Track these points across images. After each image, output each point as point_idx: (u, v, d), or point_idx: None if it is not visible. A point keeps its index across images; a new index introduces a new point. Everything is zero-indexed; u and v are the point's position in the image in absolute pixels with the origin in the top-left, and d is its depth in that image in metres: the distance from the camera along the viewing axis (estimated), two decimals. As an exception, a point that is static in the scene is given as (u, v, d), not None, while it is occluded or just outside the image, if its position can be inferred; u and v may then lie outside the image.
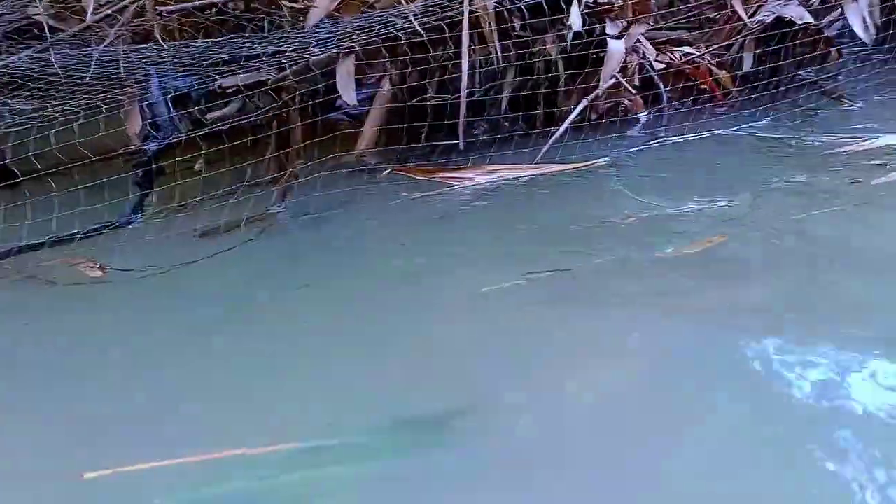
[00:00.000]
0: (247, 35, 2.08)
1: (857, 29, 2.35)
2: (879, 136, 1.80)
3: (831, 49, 2.49)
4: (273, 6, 2.28)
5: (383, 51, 2.22)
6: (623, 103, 2.36)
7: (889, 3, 2.40)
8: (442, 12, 2.09)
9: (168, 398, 1.12)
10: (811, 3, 2.45)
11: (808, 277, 1.33)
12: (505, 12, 2.19)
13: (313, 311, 1.36)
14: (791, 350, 1.09)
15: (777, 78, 2.45)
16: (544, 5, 2.17)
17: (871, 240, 1.39)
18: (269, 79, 1.97)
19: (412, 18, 2.05)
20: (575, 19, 2.14)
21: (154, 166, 1.80)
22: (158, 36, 2.10)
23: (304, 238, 1.72)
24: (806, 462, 0.88)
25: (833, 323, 1.16)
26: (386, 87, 2.42)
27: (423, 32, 2.07)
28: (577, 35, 2.19)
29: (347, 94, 2.29)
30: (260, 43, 2.02)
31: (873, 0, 2.38)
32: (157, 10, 2.13)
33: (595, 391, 1.06)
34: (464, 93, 2.08)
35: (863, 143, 1.78)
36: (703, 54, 2.49)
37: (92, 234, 1.69)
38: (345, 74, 2.29)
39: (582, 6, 2.18)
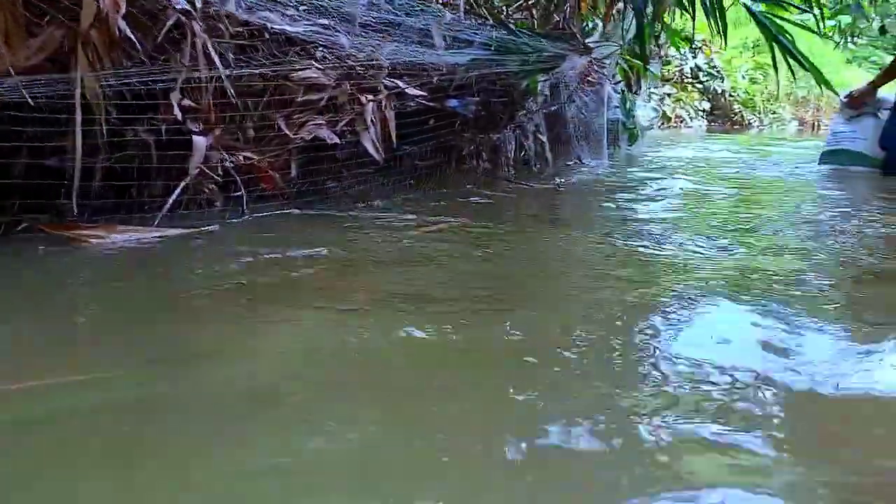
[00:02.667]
0: None
1: (371, 150, 3.33)
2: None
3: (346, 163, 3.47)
4: None
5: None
6: (207, 188, 2.86)
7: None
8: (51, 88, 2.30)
9: None
10: (337, 129, 3.40)
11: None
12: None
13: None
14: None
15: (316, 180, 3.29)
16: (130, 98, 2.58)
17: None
18: None
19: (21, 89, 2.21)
20: (177, 111, 2.58)
21: None
22: None
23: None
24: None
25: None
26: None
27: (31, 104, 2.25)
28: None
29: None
30: None
31: (377, 132, 3.41)
32: None
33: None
34: (78, 164, 2.30)
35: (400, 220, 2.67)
36: (262, 159, 3.17)
37: None
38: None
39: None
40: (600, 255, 2.25)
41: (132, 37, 2.41)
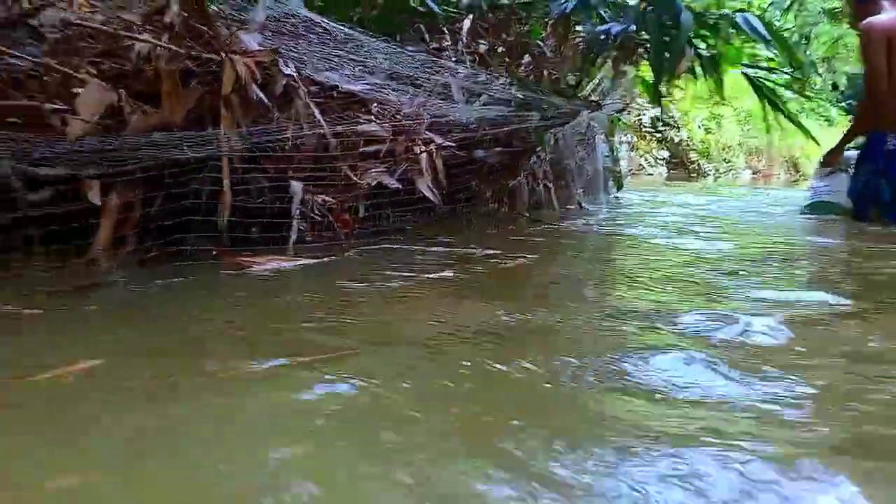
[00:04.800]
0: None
1: (427, 194, 3.92)
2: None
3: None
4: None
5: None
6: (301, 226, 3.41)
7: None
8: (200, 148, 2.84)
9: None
10: (396, 175, 3.99)
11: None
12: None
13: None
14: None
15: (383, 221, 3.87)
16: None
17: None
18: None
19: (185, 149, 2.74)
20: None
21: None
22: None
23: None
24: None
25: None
26: (114, 200, 2.94)
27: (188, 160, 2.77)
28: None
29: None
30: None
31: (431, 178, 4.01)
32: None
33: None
34: (227, 203, 2.84)
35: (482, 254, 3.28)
36: (337, 202, 3.74)
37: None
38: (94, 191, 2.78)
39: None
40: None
41: (265, 100, 2.97)
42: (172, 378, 1.47)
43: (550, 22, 4.80)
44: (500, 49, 5.47)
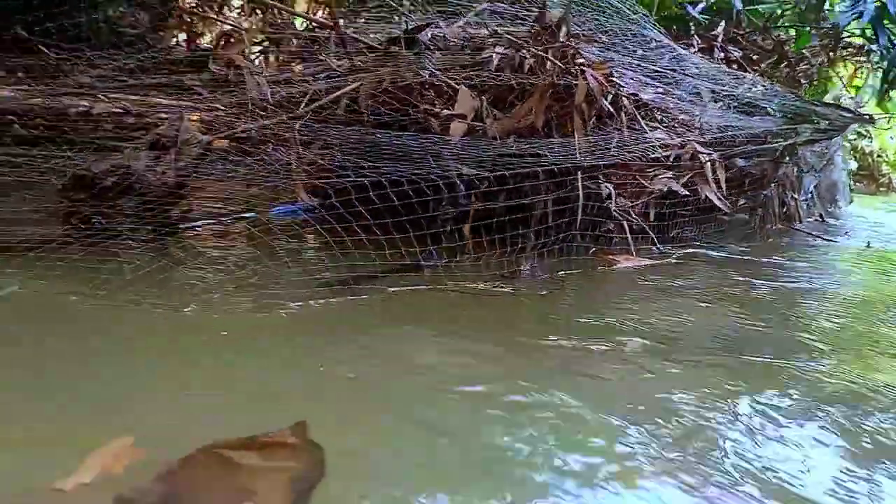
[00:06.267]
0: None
1: (716, 201, 4.15)
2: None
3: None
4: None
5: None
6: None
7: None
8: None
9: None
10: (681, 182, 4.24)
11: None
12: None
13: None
14: None
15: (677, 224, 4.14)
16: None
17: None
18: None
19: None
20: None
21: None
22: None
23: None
24: None
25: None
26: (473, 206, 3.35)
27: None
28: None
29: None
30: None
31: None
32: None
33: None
34: (580, 209, 3.20)
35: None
36: (636, 205, 4.03)
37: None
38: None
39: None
40: None
41: (611, 110, 3.30)
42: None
43: (822, 31, 4.90)
44: (755, 56, 5.62)
